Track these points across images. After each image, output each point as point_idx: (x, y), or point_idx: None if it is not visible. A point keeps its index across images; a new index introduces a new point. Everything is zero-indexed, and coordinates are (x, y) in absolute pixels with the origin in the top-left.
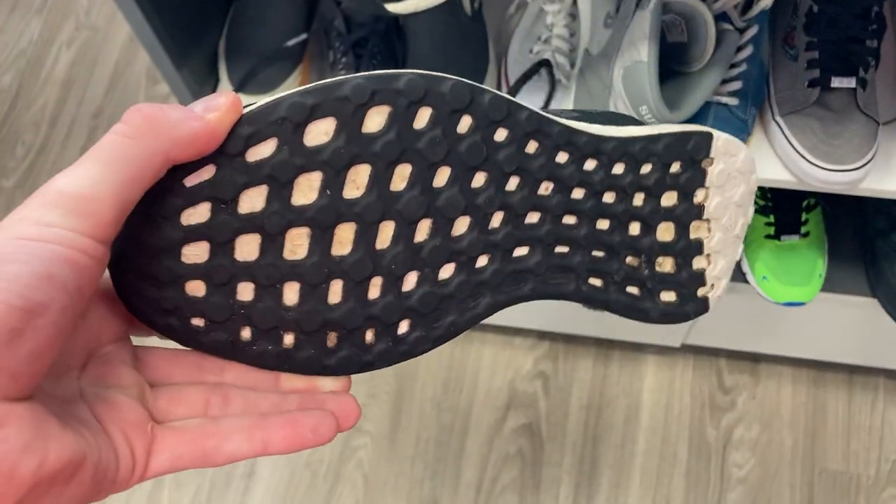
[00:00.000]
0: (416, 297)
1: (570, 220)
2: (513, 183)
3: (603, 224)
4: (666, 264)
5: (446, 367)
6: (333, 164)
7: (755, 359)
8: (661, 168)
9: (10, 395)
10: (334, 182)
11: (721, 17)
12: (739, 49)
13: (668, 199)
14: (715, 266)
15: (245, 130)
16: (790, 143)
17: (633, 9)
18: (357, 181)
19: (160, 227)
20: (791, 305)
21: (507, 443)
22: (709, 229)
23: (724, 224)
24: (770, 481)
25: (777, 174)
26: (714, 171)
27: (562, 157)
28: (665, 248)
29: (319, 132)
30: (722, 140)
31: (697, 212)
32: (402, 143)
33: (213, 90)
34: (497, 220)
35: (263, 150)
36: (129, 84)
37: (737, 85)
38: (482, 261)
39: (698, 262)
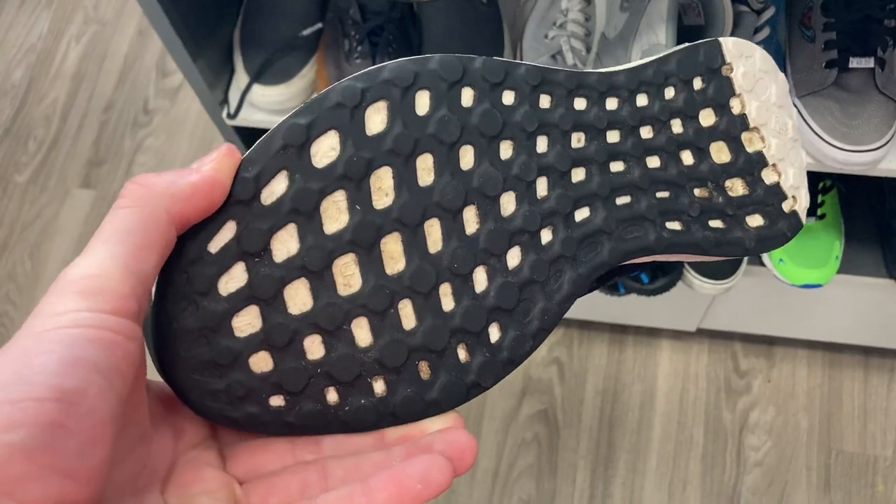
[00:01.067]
0: (494, 294)
1: (617, 166)
2: (542, 143)
3: (653, 161)
4: (737, 186)
5: None
6: (352, 177)
7: (770, 342)
8: (683, 87)
9: (73, 500)
10: (360, 195)
11: (738, 0)
12: (756, 31)
13: (707, 117)
14: (787, 176)
15: (250, 172)
16: (808, 124)
17: None
18: (383, 187)
19: (199, 306)
20: (808, 287)
21: (523, 429)
22: (762, 138)
23: (775, 128)
24: (786, 464)
25: None
26: (738, 76)
27: (580, 104)
28: (728, 170)
29: (326, 149)
30: (731, 43)
31: (742, 122)
32: (413, 133)
33: (229, 80)
34: (543, 186)
35: (276, 187)
36: (139, 77)
37: None
38: (546, 235)
39: (768, 176)
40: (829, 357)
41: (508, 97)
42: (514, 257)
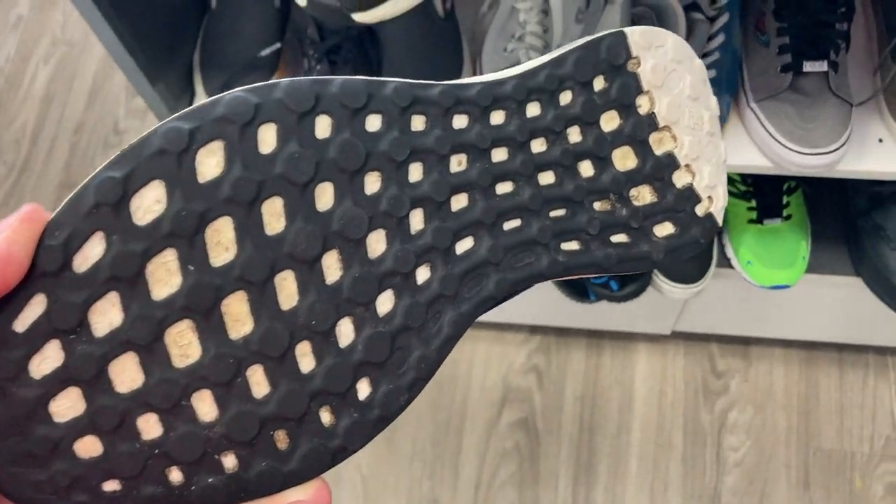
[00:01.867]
0: (363, 347)
1: (505, 188)
2: (415, 172)
3: (547, 177)
4: (644, 194)
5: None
6: (183, 233)
7: (746, 342)
8: (582, 90)
9: None
10: (193, 253)
11: (691, 7)
12: (711, 38)
13: (609, 121)
14: (701, 175)
15: (57, 238)
16: (766, 128)
17: (603, 3)
18: (222, 241)
19: (8, 394)
20: (777, 289)
21: (504, 438)
22: (673, 137)
23: (688, 124)
24: (766, 463)
25: (754, 160)
26: (646, 70)
27: (460, 122)
28: (634, 177)
29: (149, 203)
30: (638, 33)
31: (650, 122)
32: (255, 176)
33: (190, 103)
34: (417, 220)
35: (91, 252)
36: (108, 98)
37: (710, 74)
38: (422, 274)
39: (680, 178)
40: (805, 355)
41: (373, 123)
42: (385, 303)
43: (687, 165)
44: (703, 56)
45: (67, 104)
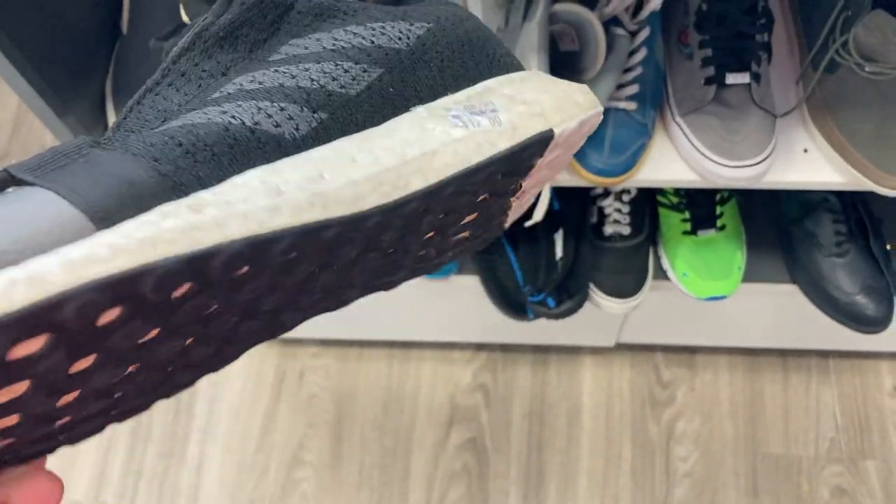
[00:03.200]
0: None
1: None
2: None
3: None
4: (464, 231)
5: (384, 388)
6: None
7: (691, 351)
8: (470, 195)
9: None
10: None
11: (612, 22)
12: (633, 53)
13: (477, 206)
14: (523, 198)
15: None
16: (692, 142)
17: (521, 21)
18: None
19: None
20: (714, 300)
21: (453, 459)
22: (523, 191)
23: (539, 179)
24: (715, 472)
25: (682, 175)
26: (546, 160)
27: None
28: (466, 226)
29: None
30: (566, 134)
31: (514, 190)
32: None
33: (103, 132)
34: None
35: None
36: (33, 125)
37: (634, 89)
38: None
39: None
40: (749, 362)
41: (109, 316)
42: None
43: (517, 196)
44: (626, 71)
45: None
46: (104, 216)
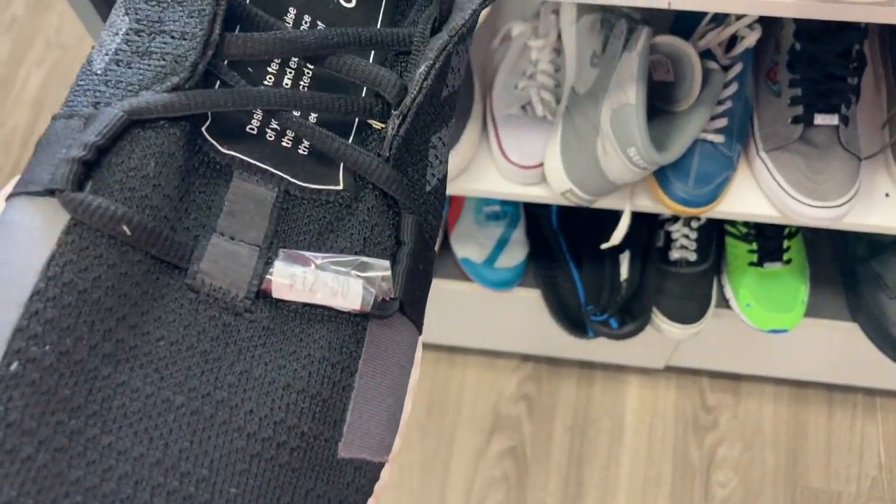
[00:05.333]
0: None
1: None
2: None
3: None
4: None
5: (429, 390)
6: None
7: (737, 378)
8: None
9: None
10: None
11: (706, 55)
12: (725, 86)
13: None
14: None
15: None
16: (775, 179)
17: (621, 50)
18: None
19: None
20: (775, 332)
21: (493, 466)
22: None
23: None
24: (753, 500)
25: (762, 209)
26: None
27: None
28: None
29: None
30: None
31: None
32: None
33: None
34: None
35: None
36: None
37: (722, 122)
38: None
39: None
40: (795, 393)
41: None
42: None
43: None
44: (717, 104)
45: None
46: None
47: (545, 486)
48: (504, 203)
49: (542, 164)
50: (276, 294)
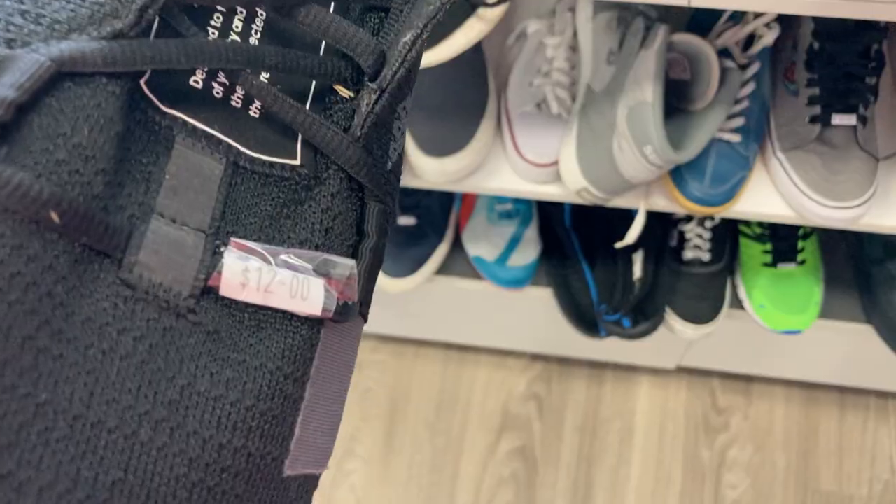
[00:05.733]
0: None
1: None
2: None
3: None
4: None
5: (439, 388)
6: None
7: (748, 379)
8: None
9: None
10: None
11: (723, 54)
12: (742, 85)
13: None
14: None
15: None
16: (791, 179)
17: (638, 47)
18: None
19: None
20: (788, 334)
21: (502, 466)
22: None
23: None
24: (763, 502)
25: (778, 210)
26: None
27: None
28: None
29: None
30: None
31: None
32: None
33: None
34: None
35: None
36: None
37: (739, 121)
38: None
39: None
40: (806, 395)
41: None
42: None
43: None
44: (734, 103)
45: None
46: None
47: (554, 486)
48: (517, 201)
49: (556, 162)
50: (224, 292)
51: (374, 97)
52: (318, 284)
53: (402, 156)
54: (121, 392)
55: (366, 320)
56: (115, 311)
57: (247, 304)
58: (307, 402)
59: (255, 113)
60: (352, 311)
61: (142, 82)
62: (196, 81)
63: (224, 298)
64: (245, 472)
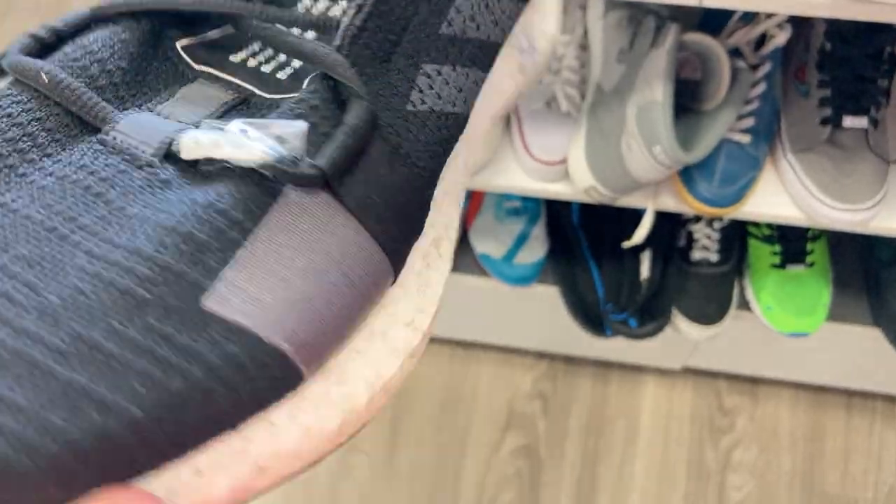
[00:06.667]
0: None
1: None
2: None
3: None
4: None
5: (443, 386)
6: None
7: (754, 381)
8: None
9: None
10: None
11: (734, 53)
12: (753, 86)
13: None
14: None
15: None
16: (801, 181)
17: (649, 46)
18: None
19: None
20: (796, 336)
21: (506, 464)
22: None
23: None
24: None
25: (787, 211)
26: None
27: None
28: None
29: None
30: None
31: None
32: None
33: None
34: None
35: None
36: None
37: (750, 122)
38: None
39: None
40: (813, 397)
41: None
42: None
43: None
44: (745, 104)
45: None
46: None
47: (558, 484)
48: (525, 199)
49: (565, 161)
50: (184, 155)
51: (352, 12)
52: (266, 139)
53: (440, 116)
54: (56, 201)
55: (392, 264)
56: (83, 156)
57: (204, 165)
58: (247, 250)
59: (282, 76)
60: (301, 168)
61: (178, 45)
62: (234, 57)
63: (185, 161)
64: (152, 280)
